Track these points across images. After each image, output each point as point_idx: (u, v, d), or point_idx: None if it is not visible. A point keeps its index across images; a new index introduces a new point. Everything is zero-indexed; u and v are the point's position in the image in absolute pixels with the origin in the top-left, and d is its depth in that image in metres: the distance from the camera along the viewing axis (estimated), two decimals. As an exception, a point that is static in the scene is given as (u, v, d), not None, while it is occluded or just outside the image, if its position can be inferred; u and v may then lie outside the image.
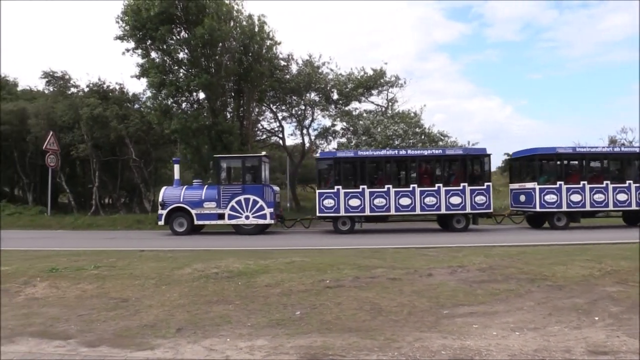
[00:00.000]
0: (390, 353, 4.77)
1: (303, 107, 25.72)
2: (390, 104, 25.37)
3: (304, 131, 26.22)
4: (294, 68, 24.68)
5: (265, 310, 6.34)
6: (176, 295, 7.23)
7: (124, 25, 20.32)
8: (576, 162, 17.66)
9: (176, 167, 18.78)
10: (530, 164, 17.71)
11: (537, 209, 16.69)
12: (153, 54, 21.00)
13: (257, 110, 24.69)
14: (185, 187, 18.00)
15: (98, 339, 5.47)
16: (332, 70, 24.97)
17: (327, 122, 27.58)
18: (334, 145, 25.39)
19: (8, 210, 23.45)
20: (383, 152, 17.60)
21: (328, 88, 24.69)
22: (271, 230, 18.57)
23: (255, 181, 17.31)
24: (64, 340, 5.45)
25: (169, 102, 21.26)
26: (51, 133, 22.74)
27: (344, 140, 24.21)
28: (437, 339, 5.14)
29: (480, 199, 16.55)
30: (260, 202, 17.01)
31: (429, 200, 16.58)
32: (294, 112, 26.01)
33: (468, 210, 16.60)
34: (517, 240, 13.44)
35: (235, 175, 18.22)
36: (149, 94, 21.85)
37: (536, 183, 16.71)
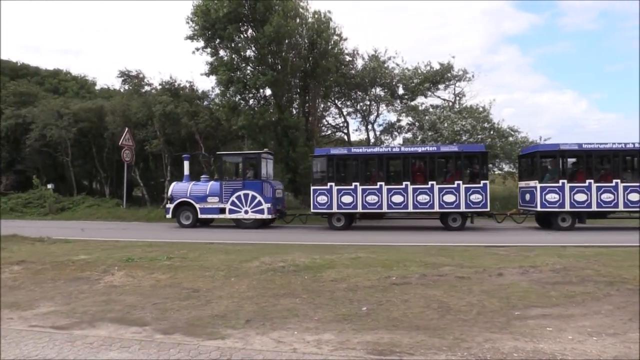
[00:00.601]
0: (460, 353, 4.67)
1: (368, 103, 25.62)
2: (457, 98, 24.82)
3: (369, 127, 26.14)
4: (359, 63, 24.63)
5: (331, 305, 6.37)
6: (245, 287, 7.41)
7: (194, 25, 20.95)
8: (583, 160, 16.48)
9: (186, 164, 19.67)
10: (533, 162, 16.94)
11: (539, 208, 15.97)
12: (221, 53, 21.55)
13: (322, 106, 24.84)
14: (192, 182, 18.88)
15: (172, 326, 5.69)
16: (397, 64, 24.73)
17: (393, 118, 27.38)
18: (399, 140, 25.16)
19: (87, 202, 24.78)
20: (376, 150, 17.37)
21: (394, 83, 24.44)
22: (286, 225, 18.75)
23: (255, 177, 17.81)
24: (140, 327, 5.71)
25: (237, 99, 21.76)
26: (126, 129, 23.80)
27: (409, 135, 23.92)
28: (508, 340, 4.98)
29: (476, 197, 15.97)
30: (259, 198, 17.59)
31: (422, 198, 16.23)
32: (359, 107, 25.96)
33: (462, 208, 16.05)
34: (562, 240, 12.81)
35: (237, 171, 18.99)
36: (217, 91, 22.49)
37: (537, 181, 16.03)
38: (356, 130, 27.55)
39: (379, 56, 24.27)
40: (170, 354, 4.77)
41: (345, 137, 27.00)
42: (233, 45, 20.96)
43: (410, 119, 24.22)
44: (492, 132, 21.68)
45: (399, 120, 25.37)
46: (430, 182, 16.20)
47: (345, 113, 26.45)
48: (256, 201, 17.64)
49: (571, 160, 17.10)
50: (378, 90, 25.01)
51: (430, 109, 23.62)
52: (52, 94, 32.44)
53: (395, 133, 25.60)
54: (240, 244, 12.41)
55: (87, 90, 36.81)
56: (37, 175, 25.86)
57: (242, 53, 21.25)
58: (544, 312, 5.95)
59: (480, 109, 22.68)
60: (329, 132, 27.90)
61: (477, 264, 8.46)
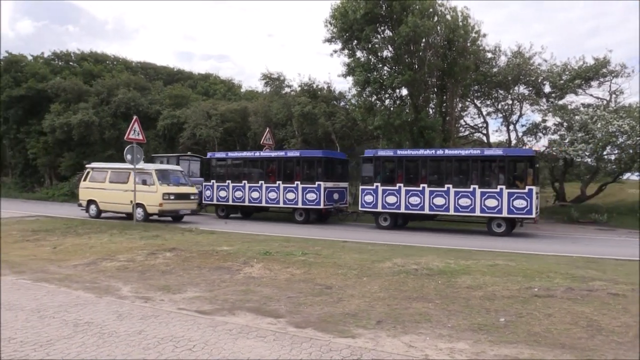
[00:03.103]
0: (613, 378, 4.20)
1: (510, 102, 24.22)
2: (613, 96, 22.50)
3: (511, 127, 24.72)
4: (501, 60, 23.38)
5: (466, 313, 6.10)
6: (377, 287, 7.38)
7: (332, 27, 21.35)
8: (394, 165, 17.71)
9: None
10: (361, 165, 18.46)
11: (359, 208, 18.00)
12: (358, 54, 21.71)
13: (460, 105, 23.99)
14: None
15: (304, 321, 5.83)
16: (545, 60, 23.04)
17: (537, 118, 25.56)
18: (544, 142, 23.44)
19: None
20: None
21: (539, 80, 22.83)
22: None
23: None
24: (275, 319, 5.93)
25: (373, 99, 21.80)
26: (267, 129, 25.00)
27: (555, 137, 22.18)
28: (673, 369, 4.39)
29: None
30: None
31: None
32: (499, 107, 24.64)
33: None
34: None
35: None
36: (354, 91, 22.66)
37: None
38: (496, 131, 26.29)
39: (523, 52, 22.85)
40: (302, 348, 4.88)
41: (484, 138, 25.83)
42: (370, 46, 21.04)
43: (557, 119, 22.42)
44: (655, 134, 19.35)
45: (544, 121, 23.63)
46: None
47: (484, 113, 25.30)
48: None
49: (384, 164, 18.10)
50: (522, 89, 23.52)
51: (582, 108, 21.67)
52: (203, 96, 35.21)
53: (540, 134, 23.93)
54: (373, 243, 12.42)
55: (233, 93, 39.35)
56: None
57: (378, 53, 21.25)
58: None
59: (641, 108, 20.34)
60: (467, 132, 26.89)
61: (635, 281, 7.58)
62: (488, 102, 24.83)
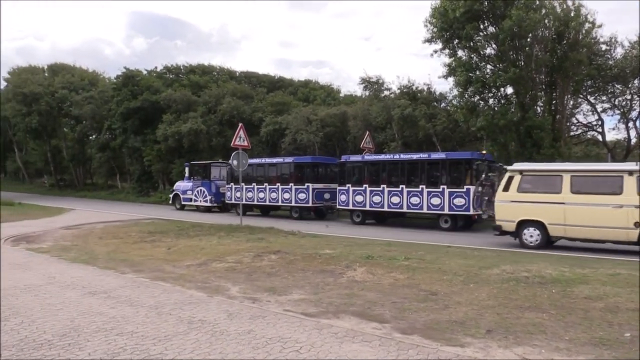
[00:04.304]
0: None
1: (629, 97, 22.29)
2: None
3: (630, 124, 22.76)
4: (618, 52, 21.60)
5: (585, 325, 5.68)
6: (484, 295, 7.09)
7: (431, 27, 20.95)
8: (362, 168, 20.20)
9: (187, 169, 27.78)
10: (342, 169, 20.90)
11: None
12: (460, 53, 21.10)
13: (572, 102, 22.44)
14: (180, 181, 28.58)
15: (410, 327, 5.73)
16: (672, 48, 20.96)
17: (660, 113, 23.24)
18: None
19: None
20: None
21: (666, 72, 20.83)
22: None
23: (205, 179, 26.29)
24: (379, 323, 5.88)
25: (476, 99, 21.07)
26: (367, 133, 24.99)
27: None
28: None
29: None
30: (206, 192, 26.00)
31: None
32: (616, 102, 22.77)
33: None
34: None
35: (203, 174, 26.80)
36: (455, 92, 22.08)
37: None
38: (613, 129, 24.24)
39: (646, 41, 20.94)
40: (409, 355, 4.79)
41: (599, 137, 24.01)
42: (471, 44, 20.39)
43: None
44: None
45: (668, 116, 21.55)
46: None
47: (599, 110, 23.49)
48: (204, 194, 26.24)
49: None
50: (643, 82, 21.62)
51: None
52: (303, 102, 35.99)
53: (665, 130, 21.81)
54: (479, 249, 11.98)
55: (332, 98, 39.86)
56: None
57: (481, 52, 20.54)
58: None
59: None
60: (579, 131, 25.13)
61: None
62: (603, 98, 23.01)
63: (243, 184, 21.93)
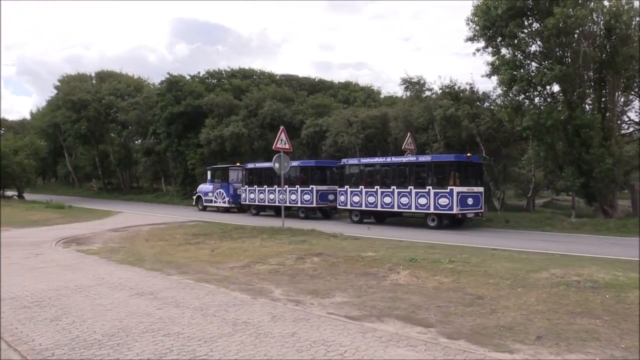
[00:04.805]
0: None
1: (684, 93, 21.31)
2: None
3: (687, 121, 21.74)
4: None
5: (642, 332, 5.43)
6: (533, 300, 6.88)
7: (474, 26, 20.57)
8: (359, 171, 21.46)
9: (209, 173, 29.33)
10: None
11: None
12: (503, 51, 20.62)
13: (622, 99, 21.62)
14: (203, 184, 30.20)
15: (456, 332, 5.61)
16: None
17: None
18: None
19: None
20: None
21: None
22: None
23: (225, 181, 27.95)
24: (425, 328, 5.78)
25: (520, 98, 20.54)
26: (409, 134, 24.71)
27: None
28: None
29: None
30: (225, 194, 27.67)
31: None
32: (671, 99, 21.80)
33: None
34: None
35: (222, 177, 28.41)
36: (499, 91, 21.58)
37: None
38: (667, 126, 23.18)
39: None
40: (456, 361, 4.68)
41: (653, 135, 23.01)
42: (516, 42, 19.90)
43: None
44: None
45: None
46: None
47: (653, 106, 22.50)
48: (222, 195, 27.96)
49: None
50: (700, 77, 20.59)
51: None
52: (343, 104, 35.92)
53: None
54: (526, 251, 11.65)
55: (373, 99, 39.66)
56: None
57: (525, 49, 20.00)
58: None
59: None
60: (631, 129, 24.14)
61: None
62: (657, 95, 22.08)
63: (286, 186, 22.46)
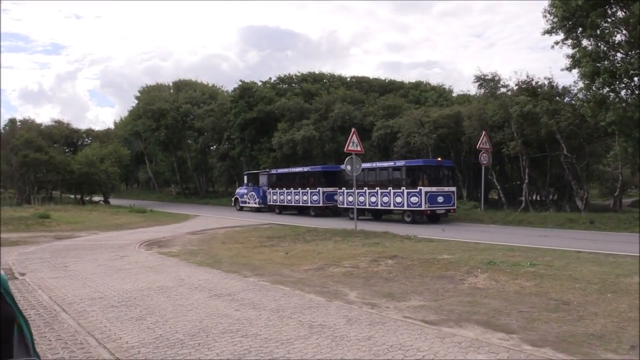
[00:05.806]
0: None
1: None
2: None
3: None
4: None
5: None
6: (625, 306, 6.44)
7: (552, 17, 19.65)
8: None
9: (245, 177, 32.77)
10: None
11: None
12: (584, 42, 19.54)
13: None
14: (239, 187, 34.44)
15: (540, 339, 5.35)
16: None
17: None
18: None
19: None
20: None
21: None
22: None
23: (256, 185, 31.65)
24: (506, 334, 5.55)
25: (604, 92, 19.37)
26: (483, 133, 24.01)
27: None
28: None
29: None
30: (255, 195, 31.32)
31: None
32: None
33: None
34: None
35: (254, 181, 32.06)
36: (581, 85, 20.48)
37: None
38: None
39: None
40: (542, 370, 4.45)
41: None
42: (598, 32, 18.79)
43: None
44: None
45: None
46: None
47: None
48: (254, 198, 31.72)
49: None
50: None
51: None
52: (414, 105, 35.40)
53: None
54: (615, 254, 10.94)
55: (445, 98, 38.79)
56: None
57: (609, 39, 18.86)
58: None
59: None
60: None
61: None
62: None
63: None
